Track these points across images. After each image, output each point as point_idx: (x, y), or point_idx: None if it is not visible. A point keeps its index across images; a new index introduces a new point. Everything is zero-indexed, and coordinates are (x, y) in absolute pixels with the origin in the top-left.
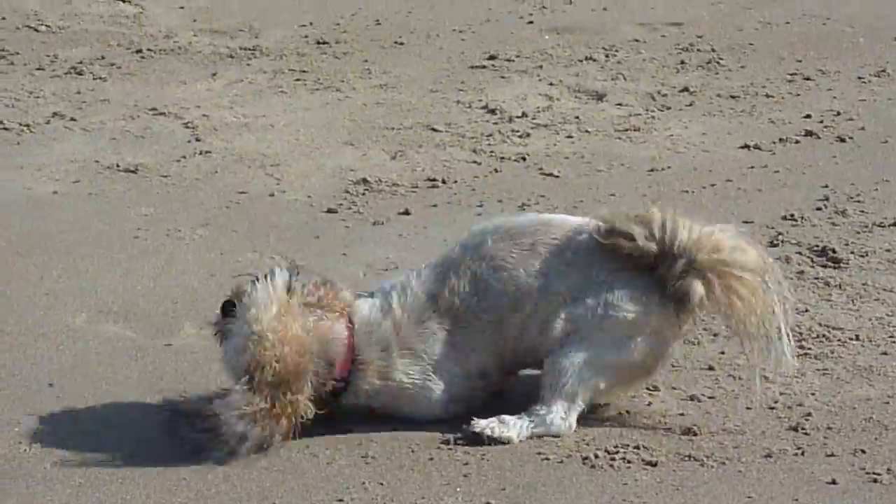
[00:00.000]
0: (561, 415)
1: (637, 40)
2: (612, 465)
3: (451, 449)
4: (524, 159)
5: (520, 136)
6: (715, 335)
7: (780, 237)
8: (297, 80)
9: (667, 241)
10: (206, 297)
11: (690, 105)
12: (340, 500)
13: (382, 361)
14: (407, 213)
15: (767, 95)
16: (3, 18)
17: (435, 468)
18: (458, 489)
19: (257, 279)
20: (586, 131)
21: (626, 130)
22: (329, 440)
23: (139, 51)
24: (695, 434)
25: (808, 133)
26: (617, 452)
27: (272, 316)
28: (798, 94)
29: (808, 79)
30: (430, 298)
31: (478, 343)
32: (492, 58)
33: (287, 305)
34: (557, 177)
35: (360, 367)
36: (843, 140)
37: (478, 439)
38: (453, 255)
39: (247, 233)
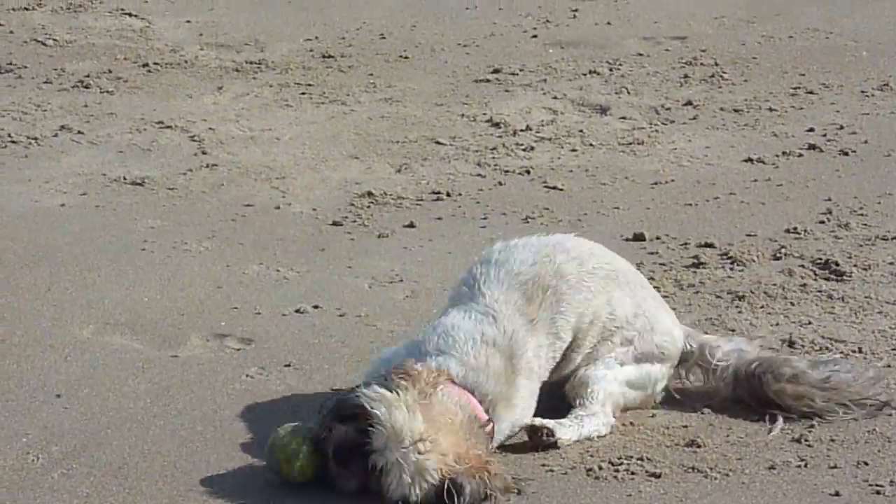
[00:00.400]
0: (604, 420)
1: (641, 54)
2: (616, 477)
3: None
4: (528, 172)
5: (524, 150)
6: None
7: (784, 250)
8: (303, 93)
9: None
10: (213, 308)
11: (694, 119)
12: None
13: (501, 390)
14: (412, 225)
15: (770, 109)
16: (11, 32)
17: None
18: None
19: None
20: (590, 145)
21: (630, 144)
22: None
23: (146, 64)
24: (698, 446)
25: (811, 146)
26: (621, 464)
27: (417, 425)
28: (801, 108)
29: (811, 92)
30: (524, 316)
31: (555, 359)
32: (496, 71)
33: (409, 402)
34: (561, 190)
35: (491, 410)
36: (845, 153)
37: (534, 433)
38: (517, 267)
39: (252, 245)
